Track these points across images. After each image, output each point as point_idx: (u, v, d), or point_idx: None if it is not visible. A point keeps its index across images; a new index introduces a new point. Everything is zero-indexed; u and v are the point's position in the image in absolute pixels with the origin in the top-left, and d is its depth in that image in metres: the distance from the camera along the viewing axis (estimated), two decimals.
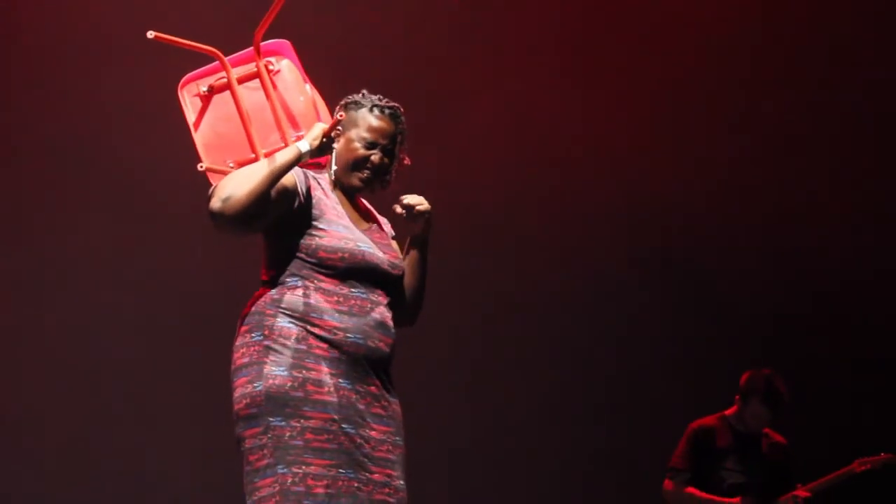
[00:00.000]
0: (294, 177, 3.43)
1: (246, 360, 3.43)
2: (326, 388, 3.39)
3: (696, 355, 7.45)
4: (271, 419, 3.36)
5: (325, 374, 3.40)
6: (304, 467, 3.34)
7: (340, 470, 3.37)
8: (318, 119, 3.61)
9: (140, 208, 6.73)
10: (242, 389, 3.42)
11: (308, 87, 3.66)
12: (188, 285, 6.74)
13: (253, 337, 3.43)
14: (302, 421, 3.35)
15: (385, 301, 3.55)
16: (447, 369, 7.12)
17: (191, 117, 3.61)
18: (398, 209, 3.65)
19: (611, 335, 7.43)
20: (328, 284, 3.46)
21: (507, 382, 7.31)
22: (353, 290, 3.48)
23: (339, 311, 3.44)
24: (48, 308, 6.65)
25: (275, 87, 3.59)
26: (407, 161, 3.68)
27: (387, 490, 3.45)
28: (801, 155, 7.57)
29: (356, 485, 3.39)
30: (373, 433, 3.45)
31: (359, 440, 3.41)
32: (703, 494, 5.93)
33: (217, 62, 3.59)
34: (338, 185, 3.62)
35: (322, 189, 3.55)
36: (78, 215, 6.66)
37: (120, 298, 6.71)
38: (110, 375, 6.66)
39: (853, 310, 7.56)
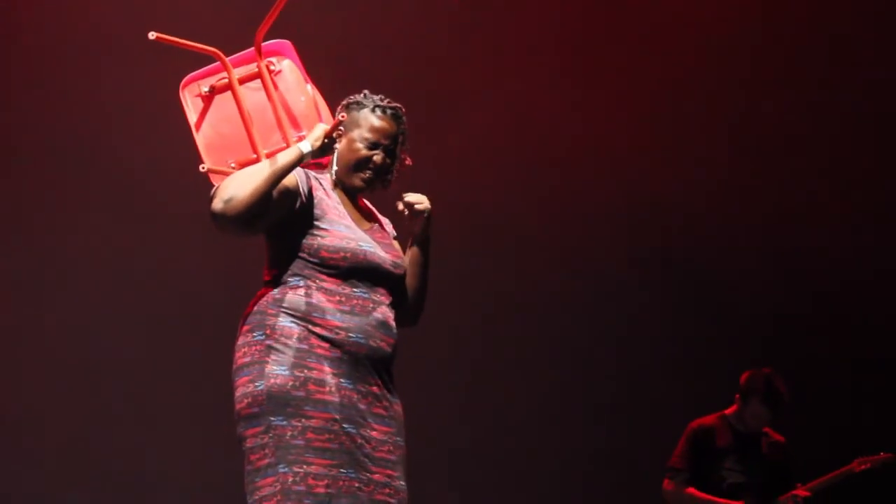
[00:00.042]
0: (295, 177, 3.43)
1: (247, 359, 3.43)
2: (328, 388, 3.39)
3: (696, 355, 7.45)
4: (273, 419, 3.36)
5: (326, 373, 3.40)
6: (305, 467, 3.34)
7: (341, 470, 3.37)
8: (320, 119, 3.61)
9: (140, 208, 6.73)
10: (244, 389, 3.42)
11: (309, 87, 3.66)
12: (188, 285, 6.74)
13: (254, 336, 3.44)
14: (303, 420, 3.36)
15: (387, 301, 3.55)
16: (447, 369, 7.12)
17: (192, 118, 3.61)
18: (400, 206, 3.66)
19: (611, 335, 7.43)
20: (330, 284, 3.46)
21: (507, 382, 7.31)
22: (355, 289, 3.48)
23: (341, 311, 3.44)
24: (48, 308, 6.65)
25: (276, 87, 3.59)
26: (408, 161, 3.69)
27: (387, 490, 3.45)
28: (801, 155, 7.57)
29: (357, 485, 3.39)
30: (374, 433, 3.45)
31: (360, 440, 3.41)
32: (704, 495, 5.92)
33: (218, 62, 3.58)
34: (339, 184, 3.62)
35: (323, 189, 3.55)
36: (78, 215, 6.66)
37: (120, 298, 6.71)
38: (110, 375, 6.66)
39: (853, 310, 7.56)
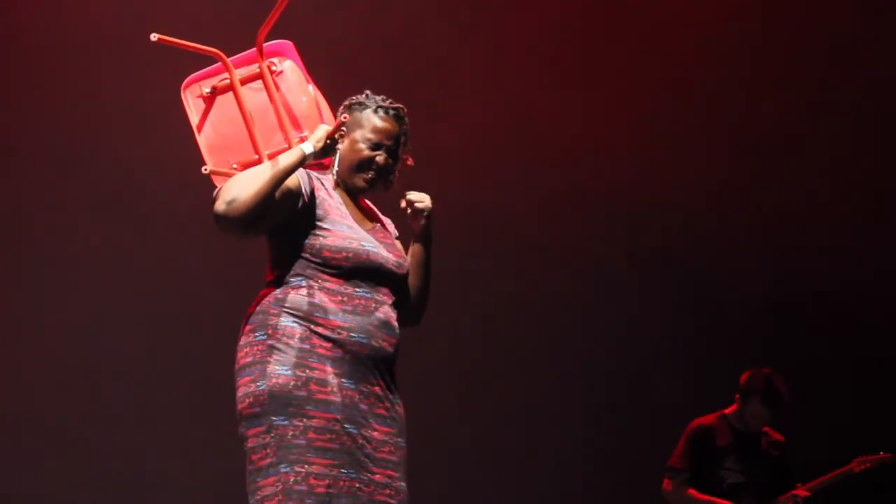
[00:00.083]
0: (298, 178, 3.44)
1: (249, 359, 3.43)
2: (330, 388, 3.39)
3: (696, 355, 7.45)
4: (274, 418, 3.36)
5: (328, 373, 3.40)
6: (306, 466, 3.34)
7: (342, 470, 3.37)
8: (321, 120, 3.61)
9: (140, 208, 6.73)
10: (246, 389, 3.42)
11: (311, 87, 3.66)
12: (188, 285, 6.74)
13: (257, 336, 3.44)
14: (305, 420, 3.36)
15: (390, 300, 3.55)
16: (447, 369, 7.12)
17: (194, 119, 3.60)
18: (403, 204, 3.66)
19: (611, 335, 7.44)
20: (332, 284, 3.46)
21: (507, 382, 7.31)
22: (357, 289, 3.49)
23: (344, 311, 3.45)
24: (48, 308, 6.65)
25: (277, 88, 3.59)
26: (410, 162, 3.69)
27: (388, 491, 3.45)
28: (801, 155, 7.57)
29: (357, 485, 3.39)
30: (375, 434, 3.45)
31: (361, 440, 3.41)
32: (704, 496, 5.92)
33: (220, 63, 3.58)
34: (341, 185, 3.62)
35: (325, 189, 3.56)
36: (78, 215, 6.66)
37: (120, 298, 6.71)
38: (110, 375, 6.66)
39: (853, 310, 7.56)
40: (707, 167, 7.51)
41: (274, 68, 3.60)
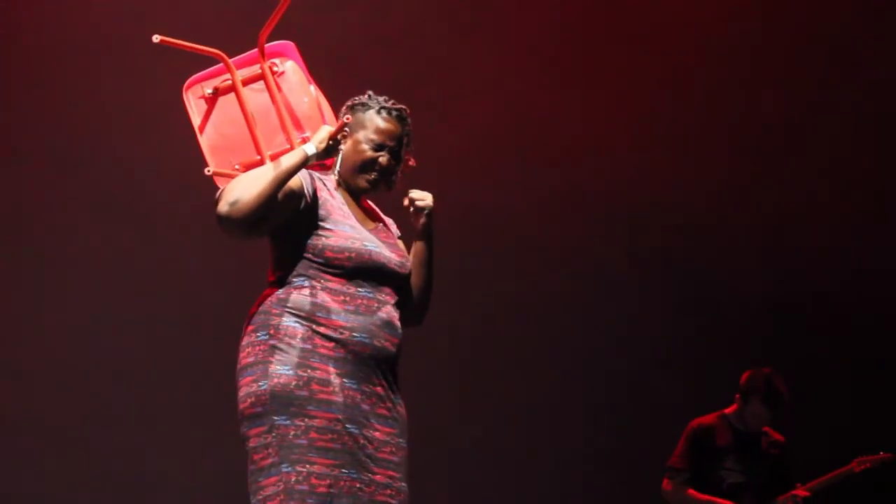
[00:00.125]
0: (300, 179, 3.44)
1: (251, 359, 3.44)
2: (331, 388, 3.39)
3: (696, 355, 7.45)
4: (276, 418, 3.36)
5: (330, 373, 3.40)
6: (308, 466, 3.34)
7: (343, 470, 3.37)
8: (323, 120, 3.61)
9: (140, 208, 6.73)
10: (247, 388, 3.42)
11: (312, 88, 3.66)
12: (188, 285, 6.74)
13: (258, 336, 3.44)
14: (306, 420, 3.36)
15: (392, 300, 3.55)
16: (447, 369, 7.12)
17: (196, 120, 3.60)
18: (406, 202, 3.67)
19: (611, 335, 7.43)
20: (335, 284, 3.47)
21: (507, 382, 7.31)
22: (359, 289, 3.49)
23: (346, 311, 3.45)
24: (48, 308, 6.65)
25: (279, 88, 3.59)
26: (412, 163, 3.69)
27: (389, 492, 3.45)
28: (801, 155, 7.57)
29: (358, 485, 3.39)
30: (376, 434, 3.46)
31: (362, 441, 3.41)
32: (703, 496, 5.92)
33: (221, 64, 3.58)
34: (343, 185, 3.63)
35: (328, 190, 3.56)
36: (78, 215, 6.66)
37: (120, 298, 6.71)
38: (110, 375, 6.66)
39: (853, 310, 7.56)
40: (707, 167, 7.51)
41: (275, 69, 3.60)
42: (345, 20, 6.94)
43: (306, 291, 3.45)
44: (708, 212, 7.52)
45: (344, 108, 3.67)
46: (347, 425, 3.39)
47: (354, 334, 3.44)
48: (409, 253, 3.72)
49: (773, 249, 7.63)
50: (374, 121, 3.61)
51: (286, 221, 3.43)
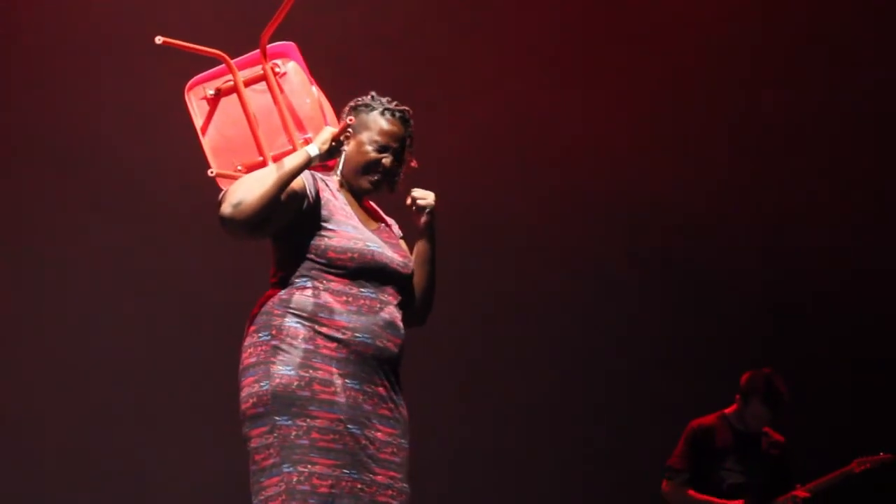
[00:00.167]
0: (303, 179, 3.44)
1: (253, 359, 3.44)
2: (333, 388, 3.39)
3: (696, 355, 7.45)
4: (277, 418, 3.37)
5: (332, 374, 3.40)
6: (309, 466, 3.34)
7: (344, 470, 3.38)
8: (325, 121, 3.62)
9: (140, 209, 6.73)
10: (249, 389, 3.42)
11: (314, 89, 3.66)
12: (188, 285, 6.74)
13: (260, 337, 3.44)
14: (308, 420, 3.36)
15: (395, 301, 3.55)
16: (447, 369, 7.12)
17: (198, 121, 3.61)
18: (408, 200, 3.67)
19: (611, 335, 7.43)
20: (337, 285, 3.46)
21: (507, 382, 7.31)
22: (362, 289, 3.49)
23: (349, 311, 3.45)
24: (48, 308, 6.65)
25: (281, 89, 3.59)
26: (413, 164, 3.69)
27: (390, 492, 3.45)
28: (801, 155, 7.57)
29: (359, 486, 3.39)
30: (378, 434, 3.46)
31: (364, 441, 3.42)
32: (703, 497, 5.92)
33: (223, 65, 3.58)
34: (345, 186, 3.63)
35: (330, 190, 3.56)
36: (78, 215, 6.66)
37: (120, 298, 6.71)
38: (110, 375, 6.66)
39: (853, 310, 7.56)
40: (707, 167, 7.51)
41: (277, 70, 3.61)
42: (345, 20, 6.94)
43: (309, 292, 3.45)
44: (708, 212, 7.52)
45: (347, 108, 3.67)
46: (349, 426, 3.39)
47: (357, 335, 3.44)
48: (411, 253, 3.72)
49: (773, 249, 7.63)
50: (378, 122, 3.61)
51: (289, 222, 3.43)
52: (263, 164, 3.50)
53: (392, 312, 3.53)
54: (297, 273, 3.47)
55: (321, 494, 3.33)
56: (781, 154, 7.59)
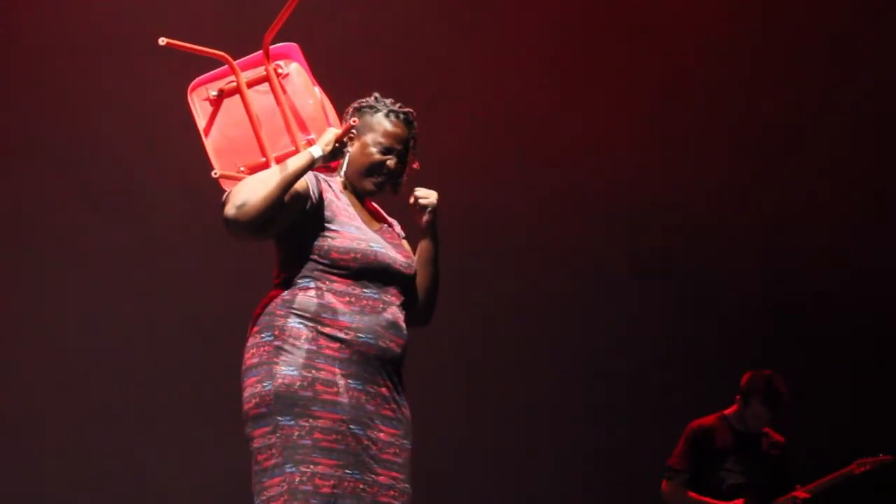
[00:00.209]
0: (306, 180, 3.44)
1: (256, 360, 3.44)
2: (336, 389, 3.39)
3: (696, 355, 7.45)
4: (280, 419, 3.37)
5: (335, 374, 3.40)
6: (312, 466, 3.34)
7: (346, 471, 3.38)
8: (328, 122, 3.62)
9: (140, 209, 6.73)
10: (252, 389, 3.42)
11: (317, 90, 3.66)
12: (188, 285, 6.74)
13: (263, 337, 3.44)
14: (310, 420, 3.36)
15: (398, 301, 3.55)
16: (447, 369, 7.11)
17: (201, 122, 3.61)
18: (411, 199, 3.68)
19: (611, 335, 7.43)
20: (340, 285, 3.46)
21: (507, 382, 7.31)
22: (365, 290, 3.49)
23: (352, 311, 3.45)
24: (48, 308, 6.65)
25: (284, 90, 3.59)
26: (416, 165, 3.69)
27: (392, 493, 3.45)
28: (801, 155, 7.57)
29: (361, 486, 3.39)
30: (381, 435, 3.46)
31: (366, 441, 3.42)
32: (703, 497, 5.92)
33: (226, 66, 3.58)
34: (349, 187, 3.63)
35: (333, 191, 3.56)
36: (78, 215, 6.66)
37: (120, 298, 6.71)
38: (110, 375, 6.66)
39: (853, 310, 7.56)
40: (707, 167, 7.51)
41: (280, 71, 3.61)
42: (345, 20, 6.94)
43: (312, 292, 3.45)
44: (708, 212, 7.52)
45: (350, 109, 3.67)
46: (352, 426, 3.39)
47: (360, 335, 3.44)
48: (414, 253, 3.72)
49: (773, 249, 7.63)
50: (382, 124, 3.61)
51: (292, 223, 3.43)
52: (266, 166, 3.50)
53: (395, 313, 3.52)
54: (301, 274, 3.47)
55: (323, 495, 3.33)
56: (781, 154, 7.59)
